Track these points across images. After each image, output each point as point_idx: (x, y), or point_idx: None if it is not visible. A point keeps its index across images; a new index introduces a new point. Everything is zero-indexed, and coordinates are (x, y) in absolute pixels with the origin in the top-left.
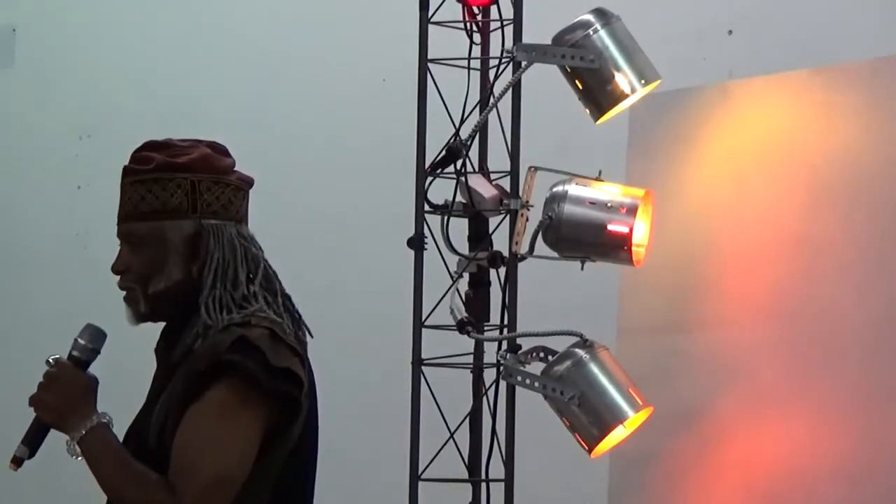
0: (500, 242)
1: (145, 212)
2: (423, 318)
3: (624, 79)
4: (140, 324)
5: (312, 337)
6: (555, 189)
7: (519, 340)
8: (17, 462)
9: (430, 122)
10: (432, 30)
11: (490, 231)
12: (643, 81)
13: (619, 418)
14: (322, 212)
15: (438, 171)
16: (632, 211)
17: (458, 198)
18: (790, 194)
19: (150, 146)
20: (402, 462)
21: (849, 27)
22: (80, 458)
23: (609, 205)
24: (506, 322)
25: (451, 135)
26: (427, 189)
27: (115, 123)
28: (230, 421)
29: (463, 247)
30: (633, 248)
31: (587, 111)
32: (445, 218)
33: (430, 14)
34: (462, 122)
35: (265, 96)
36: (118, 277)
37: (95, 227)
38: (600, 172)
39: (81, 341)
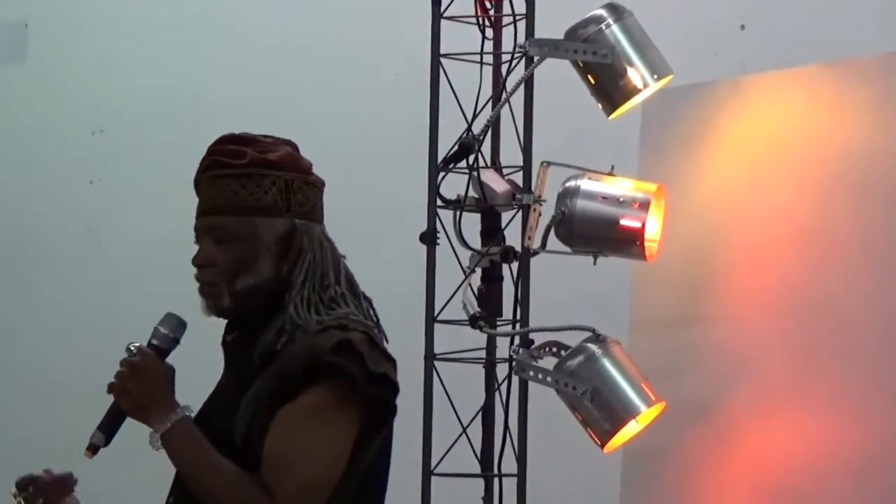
0: (513, 237)
1: (238, 207)
2: (436, 313)
3: (636, 74)
4: (217, 316)
5: (388, 342)
6: (567, 184)
7: (531, 335)
8: (93, 449)
9: (442, 117)
10: (445, 25)
11: (502, 226)
12: (655, 76)
13: (631, 413)
14: (335, 207)
15: (451, 166)
16: (644, 206)
17: (471, 193)
18: (802, 189)
19: (235, 140)
20: (415, 457)
21: (861, 22)
22: (160, 450)
23: (621, 199)
24: (518, 317)
25: (464, 130)
26: (439, 184)
27: (128, 119)
28: (328, 424)
29: (475, 242)
30: (646, 243)
31: (599, 106)
32: (458, 213)
33: (442, 9)
34: (474, 117)
35: (277, 92)
36: (197, 269)
37: (107, 222)
38: (613, 167)
39: (163, 330)
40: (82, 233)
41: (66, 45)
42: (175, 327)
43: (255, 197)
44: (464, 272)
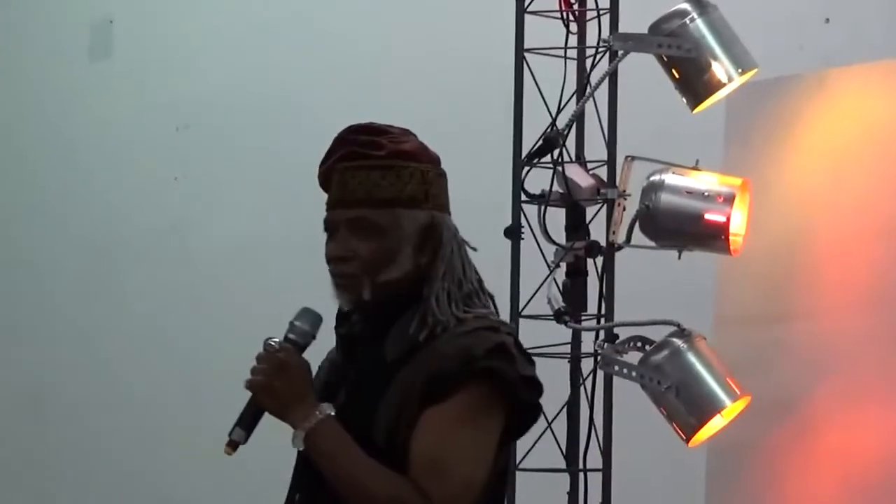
0: (598, 232)
1: (381, 199)
2: (521, 308)
3: (720, 68)
4: (355, 310)
5: None
6: (652, 178)
7: (616, 330)
8: (234, 446)
9: (526, 111)
10: (529, 19)
11: (587, 221)
12: (740, 70)
13: (716, 408)
14: None
15: (535, 160)
16: (729, 200)
17: (555, 187)
18: (888, 182)
19: (368, 130)
20: None
21: None
22: (302, 449)
23: (706, 194)
24: (603, 311)
25: (548, 124)
26: (524, 179)
27: (212, 115)
28: (480, 427)
29: (560, 236)
30: (731, 238)
31: (684, 100)
32: (542, 207)
33: (526, 4)
34: (559, 111)
35: (363, 87)
36: (334, 262)
37: (191, 218)
38: (697, 161)
39: (301, 325)
40: (167, 229)
41: (151, 42)
42: (313, 322)
43: (396, 188)
44: (548, 267)
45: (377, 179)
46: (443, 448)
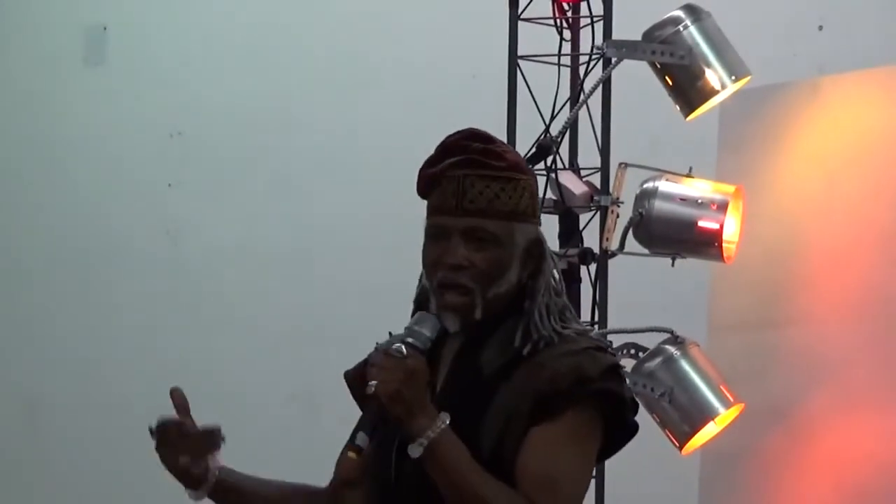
0: (591, 239)
1: (501, 211)
2: None
3: (714, 75)
4: (462, 330)
5: None
6: (645, 185)
7: (609, 337)
8: (358, 451)
9: (520, 118)
10: (522, 26)
11: (580, 228)
12: (733, 78)
13: (709, 415)
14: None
15: (529, 167)
16: (722, 207)
17: (549, 194)
18: (881, 190)
19: (483, 138)
20: None
21: None
22: (417, 457)
23: (700, 201)
24: (596, 318)
25: (542, 131)
26: None
27: (206, 121)
28: (585, 445)
29: (553, 243)
30: (724, 245)
31: (677, 107)
32: None
33: (520, 11)
34: (552, 118)
35: (356, 94)
36: (447, 270)
37: (185, 225)
38: (691, 169)
39: (422, 331)
40: (161, 235)
41: (145, 49)
42: (433, 327)
43: (513, 201)
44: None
45: (497, 191)
46: (554, 465)
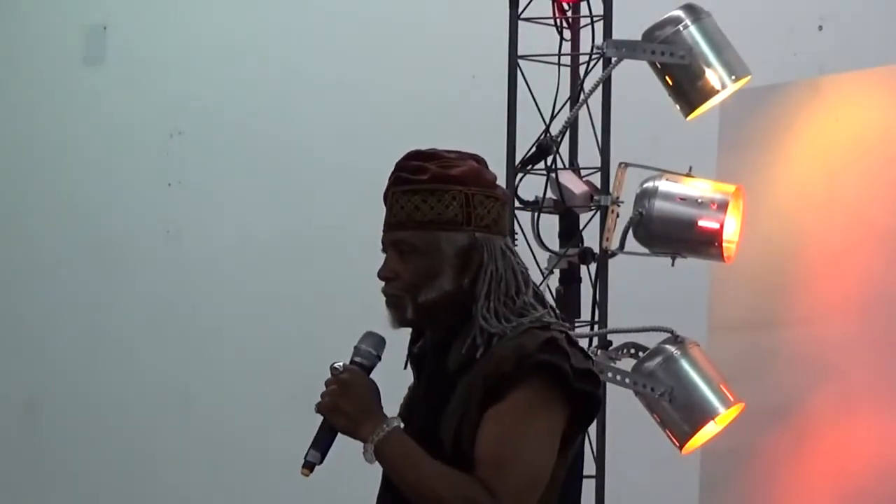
0: (591, 239)
1: (420, 221)
2: None
3: (714, 75)
4: (402, 327)
5: None
6: (645, 185)
7: (610, 336)
8: (310, 467)
9: (520, 118)
10: (522, 26)
11: (580, 227)
12: (733, 77)
13: (709, 414)
14: None
15: (529, 167)
16: (722, 207)
17: (549, 194)
18: (881, 189)
19: (419, 156)
20: None
21: None
22: (375, 463)
23: (700, 201)
24: (596, 318)
25: (542, 131)
26: (517, 185)
27: (206, 121)
28: (538, 421)
29: (553, 243)
30: (724, 244)
31: (677, 107)
32: (536, 214)
33: (520, 11)
34: (552, 118)
35: (356, 94)
36: (382, 283)
37: (186, 224)
38: (691, 168)
39: (365, 347)
40: (161, 234)
41: (145, 48)
42: (377, 345)
43: (435, 211)
44: (542, 273)
45: (418, 203)
46: (504, 445)
